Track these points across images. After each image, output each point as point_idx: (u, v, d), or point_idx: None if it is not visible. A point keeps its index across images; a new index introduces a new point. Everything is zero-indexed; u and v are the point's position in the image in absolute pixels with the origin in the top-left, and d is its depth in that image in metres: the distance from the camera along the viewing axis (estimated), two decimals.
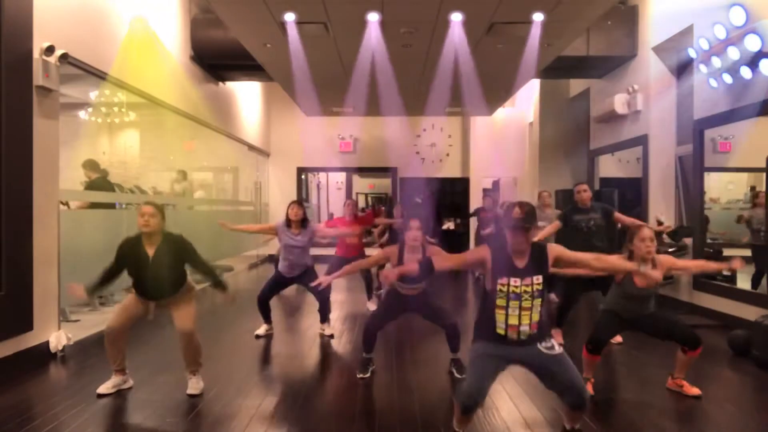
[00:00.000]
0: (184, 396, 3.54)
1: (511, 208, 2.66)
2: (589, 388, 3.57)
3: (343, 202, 7.57)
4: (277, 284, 5.31)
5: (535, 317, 2.62)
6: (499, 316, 2.62)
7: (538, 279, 2.61)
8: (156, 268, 3.45)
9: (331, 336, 5.24)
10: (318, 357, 4.69)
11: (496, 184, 13.13)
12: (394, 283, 3.92)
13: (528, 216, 2.62)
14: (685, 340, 3.55)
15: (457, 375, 3.98)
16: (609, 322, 3.65)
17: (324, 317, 5.31)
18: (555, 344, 2.69)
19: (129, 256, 3.50)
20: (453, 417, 2.86)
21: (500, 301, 2.61)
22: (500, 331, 2.64)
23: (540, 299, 2.63)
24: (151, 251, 3.48)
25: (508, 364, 2.74)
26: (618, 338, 4.86)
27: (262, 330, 5.30)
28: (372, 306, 6.60)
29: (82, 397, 3.51)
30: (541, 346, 2.64)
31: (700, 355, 3.57)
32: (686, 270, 4.00)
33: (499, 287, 2.61)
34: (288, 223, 5.12)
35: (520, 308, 2.59)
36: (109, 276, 3.55)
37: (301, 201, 5.39)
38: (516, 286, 2.59)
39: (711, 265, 3.69)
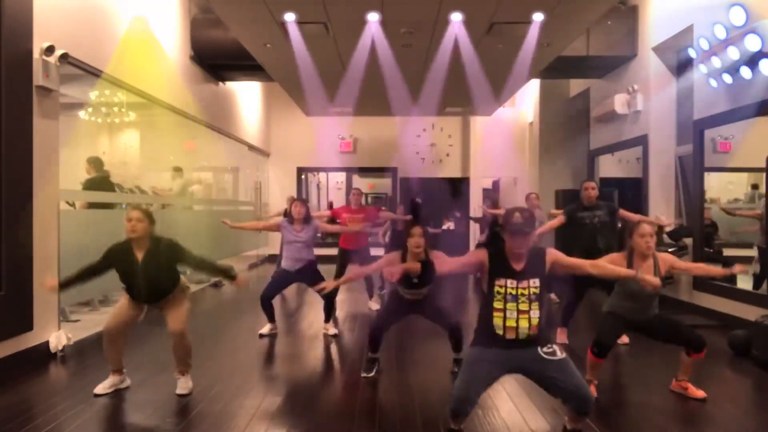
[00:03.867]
0: (182, 397, 3.54)
1: (512, 213, 2.70)
2: (593, 391, 3.55)
3: (343, 201, 7.54)
4: (281, 282, 5.35)
5: (534, 321, 2.63)
6: (497, 319, 2.64)
7: (535, 282, 2.64)
8: (146, 272, 3.42)
9: (335, 335, 5.24)
10: (318, 357, 4.69)
11: (496, 184, 13.13)
12: (398, 288, 3.95)
13: (528, 221, 2.66)
14: (689, 342, 3.52)
15: None
16: (612, 325, 3.60)
17: (328, 316, 5.33)
18: (557, 349, 2.66)
19: (118, 262, 3.47)
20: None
21: (497, 304, 2.64)
22: (499, 332, 2.65)
23: (537, 303, 2.63)
24: (140, 255, 3.44)
25: (506, 372, 2.72)
26: (624, 339, 4.85)
27: (266, 329, 5.29)
28: (374, 305, 6.60)
29: (82, 397, 3.51)
30: (542, 351, 2.63)
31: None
32: (688, 271, 3.96)
33: (496, 289, 2.65)
34: (290, 219, 5.23)
35: (518, 311, 2.62)
36: (89, 273, 3.47)
37: (303, 198, 5.44)
38: (513, 288, 2.62)
39: (714, 270, 3.67)
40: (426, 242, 3.83)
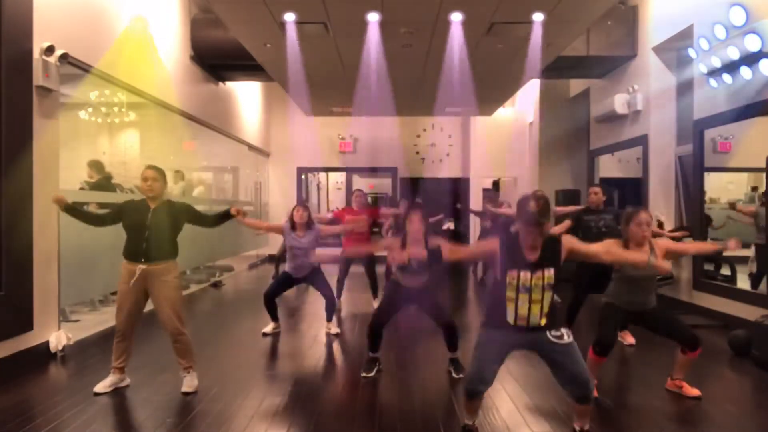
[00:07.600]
0: (185, 396, 3.54)
1: (527, 201, 2.56)
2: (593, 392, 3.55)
3: (343, 201, 7.52)
4: (285, 284, 5.38)
5: (546, 309, 2.59)
6: (509, 307, 2.59)
7: (550, 272, 2.56)
8: (155, 220, 3.53)
9: (337, 335, 5.27)
10: (318, 357, 4.69)
11: (496, 184, 13.13)
12: (398, 274, 3.96)
13: (543, 210, 2.53)
14: (684, 340, 3.52)
15: (455, 375, 3.97)
16: (611, 317, 3.59)
17: (330, 316, 5.36)
18: (564, 333, 2.62)
19: (131, 214, 3.59)
20: (459, 412, 2.86)
21: (510, 294, 2.57)
22: (510, 319, 2.61)
23: (551, 292, 2.59)
24: (153, 206, 3.59)
25: (515, 349, 2.71)
26: (631, 339, 4.85)
27: (269, 328, 5.31)
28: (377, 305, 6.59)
29: (83, 396, 3.51)
30: (550, 334, 2.60)
31: (700, 355, 3.56)
32: (685, 252, 3.93)
33: (508, 280, 2.56)
34: (293, 225, 5.18)
35: (530, 301, 2.55)
36: (94, 218, 3.73)
37: (305, 204, 5.43)
38: (527, 279, 2.54)
39: (708, 246, 3.69)
40: (425, 228, 3.85)
